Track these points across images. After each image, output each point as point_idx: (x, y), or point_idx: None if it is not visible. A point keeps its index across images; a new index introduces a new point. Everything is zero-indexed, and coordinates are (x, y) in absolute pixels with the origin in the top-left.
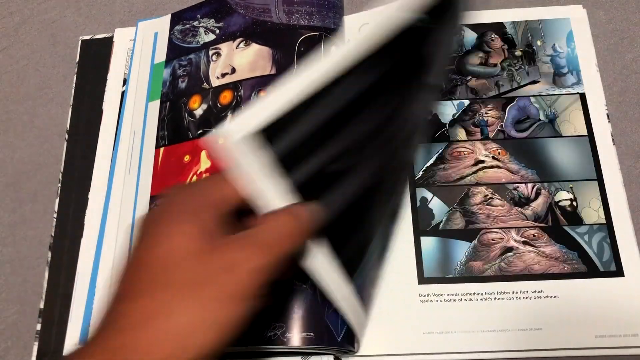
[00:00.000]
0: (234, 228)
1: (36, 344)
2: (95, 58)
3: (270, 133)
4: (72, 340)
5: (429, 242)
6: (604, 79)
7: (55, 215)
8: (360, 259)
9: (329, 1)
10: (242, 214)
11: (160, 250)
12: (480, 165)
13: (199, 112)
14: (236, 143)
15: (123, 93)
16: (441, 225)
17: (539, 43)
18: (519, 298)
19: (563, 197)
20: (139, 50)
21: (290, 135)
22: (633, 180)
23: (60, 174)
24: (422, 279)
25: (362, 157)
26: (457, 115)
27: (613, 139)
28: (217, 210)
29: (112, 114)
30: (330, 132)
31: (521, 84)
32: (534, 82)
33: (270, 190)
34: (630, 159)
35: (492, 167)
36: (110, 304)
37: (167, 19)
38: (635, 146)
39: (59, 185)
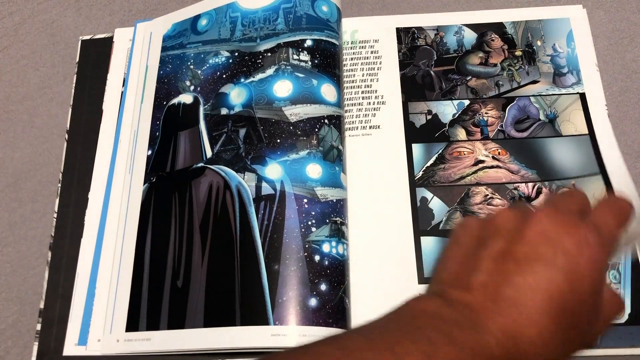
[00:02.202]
0: None
1: (36, 344)
2: (95, 58)
3: None
4: (71, 340)
5: (429, 242)
6: (604, 79)
7: (55, 215)
8: None
9: None
10: None
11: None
12: (480, 165)
13: None
14: None
15: (122, 93)
16: (441, 225)
17: (538, 43)
18: None
19: None
20: (138, 51)
21: None
22: (633, 180)
23: (60, 174)
24: (422, 279)
25: None
26: (457, 115)
27: None
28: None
29: (112, 114)
30: None
31: (521, 83)
32: (534, 82)
33: None
34: (630, 159)
35: (492, 167)
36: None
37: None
38: (635, 146)
39: (59, 185)
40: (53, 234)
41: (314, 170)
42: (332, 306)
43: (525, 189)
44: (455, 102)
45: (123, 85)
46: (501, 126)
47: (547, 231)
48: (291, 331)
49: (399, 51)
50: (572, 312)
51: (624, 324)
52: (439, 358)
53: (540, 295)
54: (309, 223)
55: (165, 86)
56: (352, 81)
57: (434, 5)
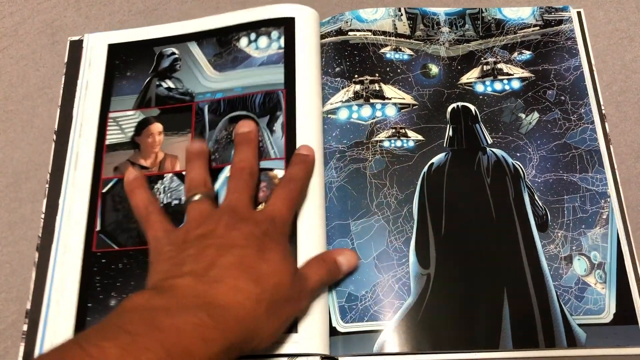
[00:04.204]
0: None
1: (22, 345)
2: (77, 60)
3: None
4: (38, 347)
5: None
6: (603, 79)
7: (42, 215)
8: None
9: None
10: None
11: None
12: None
13: None
14: None
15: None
16: None
17: None
18: None
19: None
20: (88, 60)
21: None
22: (632, 180)
23: (48, 175)
24: None
25: None
26: None
27: (610, 139)
28: None
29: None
30: None
31: None
32: None
33: None
34: (630, 159)
35: None
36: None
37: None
38: (635, 146)
39: (47, 185)
40: (40, 235)
41: None
42: None
43: None
44: None
45: (78, 93)
46: None
47: (230, 224)
48: None
49: None
50: (265, 277)
51: (609, 324)
52: (139, 346)
53: (237, 270)
54: None
55: None
56: None
57: (434, 4)
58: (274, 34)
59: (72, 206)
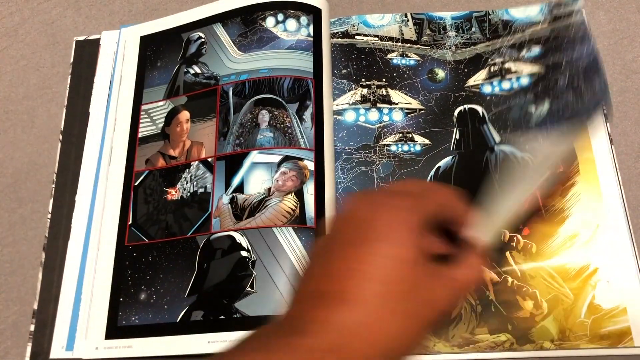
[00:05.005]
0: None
1: (29, 345)
2: (88, 59)
3: None
4: (59, 344)
5: None
6: None
7: (49, 216)
8: None
9: None
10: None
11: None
12: None
13: None
14: None
15: (108, 97)
16: None
17: None
18: None
19: None
20: (121, 55)
21: None
22: (633, 180)
23: (55, 175)
24: None
25: None
26: None
27: (611, 139)
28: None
29: (99, 116)
30: None
31: None
32: None
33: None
34: (630, 159)
35: None
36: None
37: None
38: (635, 146)
39: (53, 186)
40: (47, 235)
41: None
42: None
43: None
44: None
45: (109, 89)
46: None
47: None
48: None
49: None
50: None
51: None
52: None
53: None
54: None
55: None
56: None
57: (434, 4)
58: (303, 19)
59: (106, 201)
